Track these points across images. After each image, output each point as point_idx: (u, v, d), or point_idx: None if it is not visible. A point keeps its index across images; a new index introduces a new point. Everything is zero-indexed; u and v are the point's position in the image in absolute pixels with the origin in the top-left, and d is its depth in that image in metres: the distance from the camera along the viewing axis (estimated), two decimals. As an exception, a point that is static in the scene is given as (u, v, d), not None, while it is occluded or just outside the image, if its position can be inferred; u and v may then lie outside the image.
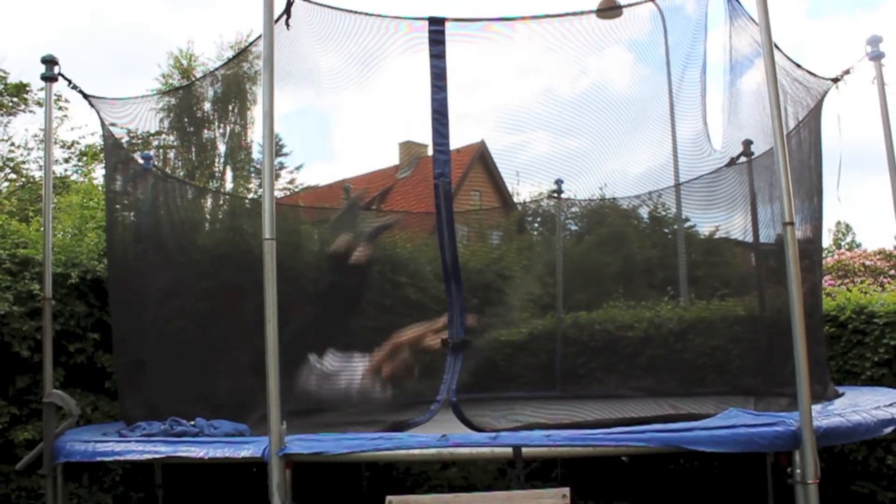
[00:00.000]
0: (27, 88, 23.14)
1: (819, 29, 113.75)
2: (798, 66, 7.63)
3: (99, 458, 6.41)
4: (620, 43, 8.11)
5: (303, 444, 5.53)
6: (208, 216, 10.48)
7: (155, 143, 15.80)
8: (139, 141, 13.50)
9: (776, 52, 6.39)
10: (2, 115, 23.75)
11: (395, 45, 7.54)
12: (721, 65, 7.63)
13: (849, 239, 59.64)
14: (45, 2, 63.16)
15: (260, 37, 5.89)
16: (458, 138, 7.39)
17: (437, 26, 7.15)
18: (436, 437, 5.64)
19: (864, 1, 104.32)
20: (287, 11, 6.93)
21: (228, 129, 28.90)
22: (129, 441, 6.38)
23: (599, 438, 5.45)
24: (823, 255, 9.45)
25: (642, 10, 8.01)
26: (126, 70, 67.11)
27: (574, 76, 8.27)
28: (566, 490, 5.18)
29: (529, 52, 7.87)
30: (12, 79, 23.26)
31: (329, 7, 7.30)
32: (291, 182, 30.10)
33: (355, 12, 7.41)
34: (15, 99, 23.62)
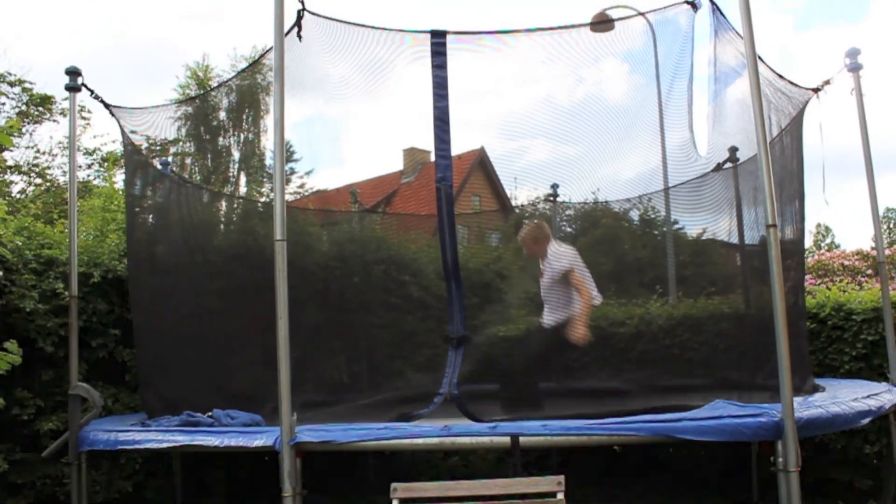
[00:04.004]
0: (52, 100, 23.21)
1: (805, 40, 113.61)
2: (781, 76, 7.64)
3: (120, 447, 6.44)
4: (614, 55, 8.11)
5: (312, 434, 5.55)
6: (223, 219, 10.51)
7: (172, 150, 15.84)
8: (158, 148, 13.53)
9: (760, 63, 6.40)
10: (28, 123, 23.79)
11: (399, 57, 7.56)
12: (707, 76, 7.65)
13: (828, 240, 59.69)
14: (71, 17, 63.25)
15: (271, 48, 5.91)
16: (461, 144, 7.42)
17: (438, 39, 7.18)
18: (437, 427, 5.66)
19: (847, 15, 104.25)
20: (298, 24, 6.94)
21: (242, 136, 28.95)
22: (149, 431, 6.41)
23: (593, 428, 5.47)
24: (805, 255, 9.45)
25: (634, 24, 8.03)
26: (147, 80, 67.27)
27: (570, 86, 8.28)
28: (561, 478, 5.19)
29: (528, 63, 7.88)
30: (38, 89, 23.33)
31: (338, 21, 7.32)
32: (302, 186, 30.10)
33: (363, 25, 7.43)
34: (41, 108, 23.68)
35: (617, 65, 8.36)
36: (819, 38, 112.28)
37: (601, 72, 8.19)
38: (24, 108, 23.59)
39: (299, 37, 6.96)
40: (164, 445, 6.18)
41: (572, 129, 8.15)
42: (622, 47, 8.08)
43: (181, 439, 6.14)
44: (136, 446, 6.34)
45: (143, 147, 9.25)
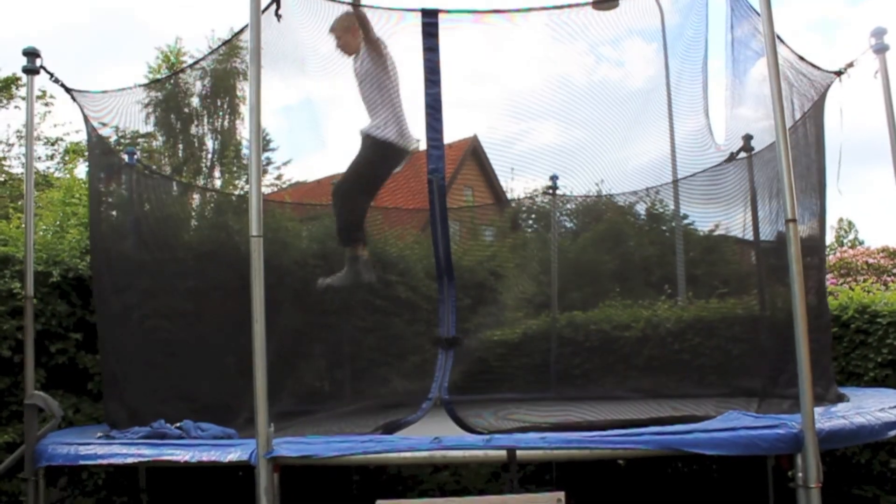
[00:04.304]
0: (19, 82, 23.00)
1: (859, 14, 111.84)
2: (802, 58, 7.61)
3: (82, 462, 6.38)
4: (623, 34, 8.09)
5: (291, 447, 5.50)
6: (194, 213, 10.46)
7: (142, 139, 15.80)
8: (126, 139, 13.51)
9: (780, 44, 6.37)
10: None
11: (386, 38, 7.53)
12: (724, 57, 7.61)
13: (851, 236, 59.79)
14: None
15: (245, 27, 5.86)
16: (454, 128, 7.38)
17: (430, 18, 7.10)
18: (427, 439, 5.62)
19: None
20: (276, 1, 6.85)
21: (217, 124, 28.92)
22: (112, 444, 6.35)
23: (596, 441, 5.42)
24: (826, 253, 9.43)
25: (641, 1, 7.98)
26: (118, 64, 67.21)
27: (575, 68, 8.26)
28: (561, 494, 5.16)
29: (526, 43, 7.85)
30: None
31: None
32: (279, 178, 30.07)
33: (346, 3, 7.38)
34: (2, 92, 23.59)
35: (626, 45, 8.34)
36: (875, 10, 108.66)
37: (608, 53, 8.17)
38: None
39: (278, 16, 6.88)
40: (129, 460, 6.12)
41: (576, 114, 8.12)
42: (630, 25, 8.05)
43: (147, 453, 6.08)
44: (99, 461, 6.27)
45: (111, 139, 9.21)
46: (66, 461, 6.40)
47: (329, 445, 5.61)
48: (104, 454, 6.22)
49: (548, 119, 8.30)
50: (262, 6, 5.93)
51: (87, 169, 10.25)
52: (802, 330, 5.07)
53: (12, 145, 24.19)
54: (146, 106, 9.30)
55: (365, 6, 7.42)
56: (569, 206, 11.83)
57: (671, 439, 5.33)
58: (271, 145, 29.09)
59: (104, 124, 8.31)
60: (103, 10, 64.55)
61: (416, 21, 7.14)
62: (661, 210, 11.00)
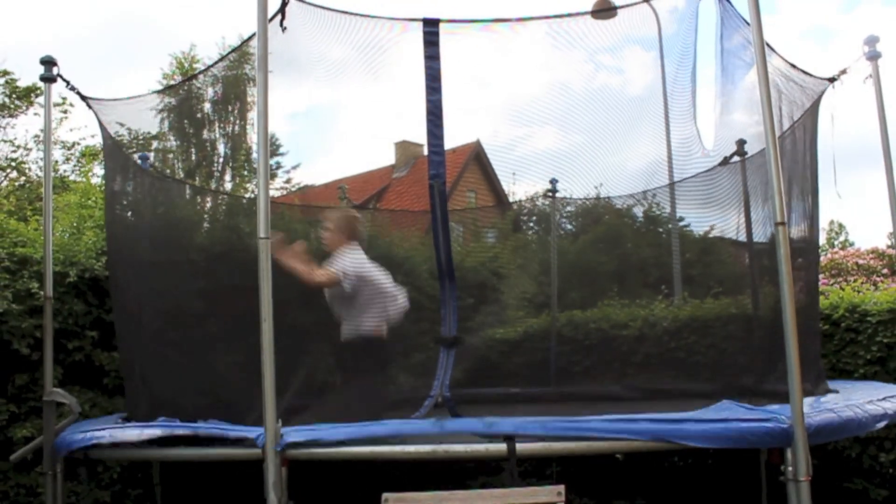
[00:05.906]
0: (38, 91, 23.11)
1: (851, 21, 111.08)
2: (793, 66, 7.63)
3: (95, 441, 6.32)
4: (621, 43, 8.12)
5: (298, 433, 5.53)
6: (206, 215, 10.48)
7: (155, 143, 15.83)
8: (141, 141, 13.52)
9: (772, 53, 6.39)
10: (5, 116, 23.78)
11: (389, 47, 7.55)
12: (713, 66, 7.64)
13: (842, 238, 59.75)
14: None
15: (254, 35, 5.88)
16: (457, 133, 7.42)
17: (431, 27, 7.13)
18: (431, 421, 5.66)
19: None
20: (281, 11, 6.88)
21: (228, 129, 28.99)
22: (126, 427, 6.37)
23: (593, 427, 5.42)
24: (818, 254, 9.42)
25: (639, 11, 8.01)
26: (134, 68, 67.32)
27: (575, 74, 8.28)
28: (561, 488, 5.18)
29: (527, 51, 7.89)
30: (19, 72, 23.34)
31: (324, 8, 7.27)
32: (288, 181, 30.13)
33: (350, 13, 7.39)
34: (21, 100, 23.66)
35: (622, 53, 8.37)
36: (867, 17, 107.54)
37: (603, 60, 8.20)
38: (6, 100, 23.54)
39: (283, 27, 6.89)
40: (142, 437, 6.08)
41: (574, 120, 8.15)
42: (627, 34, 8.08)
43: (158, 433, 6.08)
44: (112, 440, 6.22)
45: (125, 140, 9.24)
46: (81, 444, 6.38)
47: (335, 430, 5.64)
48: (118, 434, 6.23)
49: (548, 124, 8.33)
50: (269, 15, 5.96)
51: (102, 173, 10.27)
52: (792, 327, 5.08)
53: (30, 150, 24.24)
54: (160, 112, 9.34)
55: (365, 16, 7.44)
56: (568, 208, 11.86)
57: (664, 429, 5.33)
58: (281, 150, 29.17)
59: (121, 124, 8.34)
60: (119, 15, 64.60)
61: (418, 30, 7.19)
62: (658, 213, 11.02)
